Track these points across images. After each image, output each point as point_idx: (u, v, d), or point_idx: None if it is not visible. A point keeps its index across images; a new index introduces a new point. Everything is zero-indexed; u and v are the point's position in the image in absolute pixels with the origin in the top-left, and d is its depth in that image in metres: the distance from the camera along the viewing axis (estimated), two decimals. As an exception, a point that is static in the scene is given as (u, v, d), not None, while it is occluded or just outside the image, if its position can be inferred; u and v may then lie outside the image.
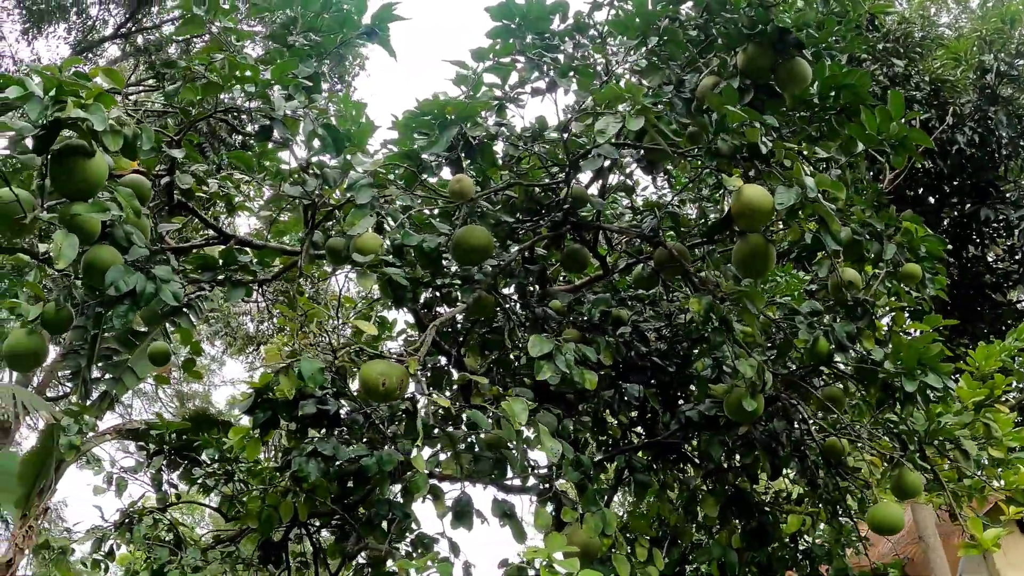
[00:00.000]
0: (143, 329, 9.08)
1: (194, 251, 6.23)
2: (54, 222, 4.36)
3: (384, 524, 6.69)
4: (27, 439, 29.47)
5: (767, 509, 7.88)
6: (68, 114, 3.86)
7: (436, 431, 6.30)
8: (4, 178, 4.18)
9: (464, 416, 5.41)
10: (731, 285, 5.90)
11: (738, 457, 7.72)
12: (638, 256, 7.07)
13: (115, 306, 4.32)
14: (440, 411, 6.80)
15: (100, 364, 18.95)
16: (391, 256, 5.48)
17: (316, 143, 5.15)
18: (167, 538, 8.18)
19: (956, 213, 17.48)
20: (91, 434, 16.66)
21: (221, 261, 5.84)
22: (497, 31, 6.37)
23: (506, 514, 6.53)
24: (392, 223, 5.53)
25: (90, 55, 24.17)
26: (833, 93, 5.84)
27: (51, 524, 19.60)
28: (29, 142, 3.95)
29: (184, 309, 6.03)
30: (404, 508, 6.55)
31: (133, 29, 23.52)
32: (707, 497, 7.51)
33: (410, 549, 6.79)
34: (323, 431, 6.78)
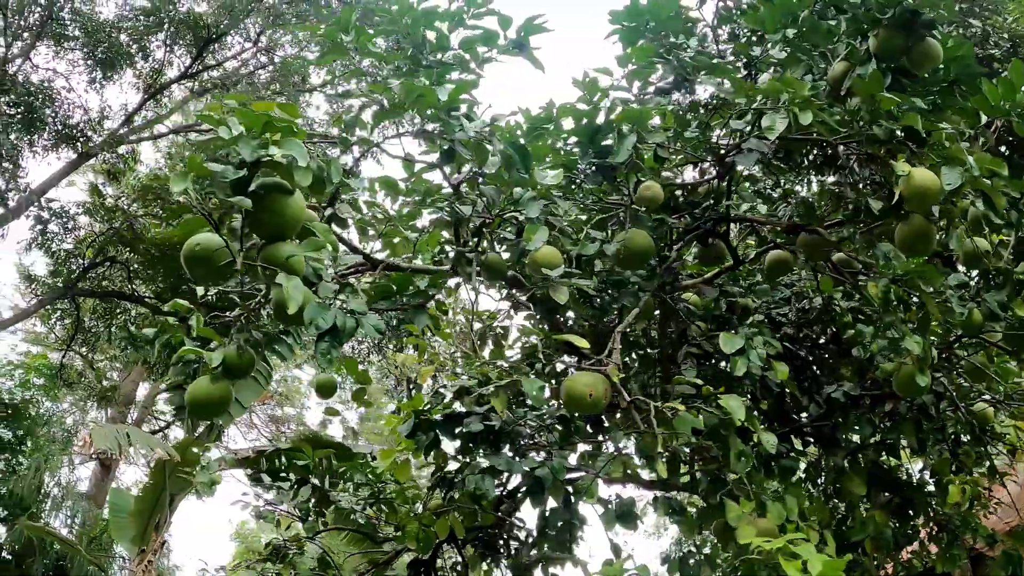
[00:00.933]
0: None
1: (350, 279, 6.30)
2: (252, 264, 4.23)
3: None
4: (123, 473, 30.02)
5: (913, 483, 7.90)
6: (271, 152, 3.85)
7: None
8: (214, 223, 4.19)
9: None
10: (906, 265, 5.91)
11: (877, 436, 7.71)
12: (771, 244, 7.08)
13: (318, 343, 4.26)
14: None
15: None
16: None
17: (495, 161, 5.18)
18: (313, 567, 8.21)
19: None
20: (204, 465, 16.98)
21: (396, 287, 5.93)
22: (627, 34, 6.43)
23: (674, 511, 6.61)
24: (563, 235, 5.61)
25: (160, 97, 24.58)
26: (942, 66, 5.89)
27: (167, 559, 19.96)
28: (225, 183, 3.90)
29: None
30: (574, 514, 6.62)
31: (199, 68, 23.86)
32: (853, 476, 7.52)
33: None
34: (483, 447, 6.85)
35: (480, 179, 5.63)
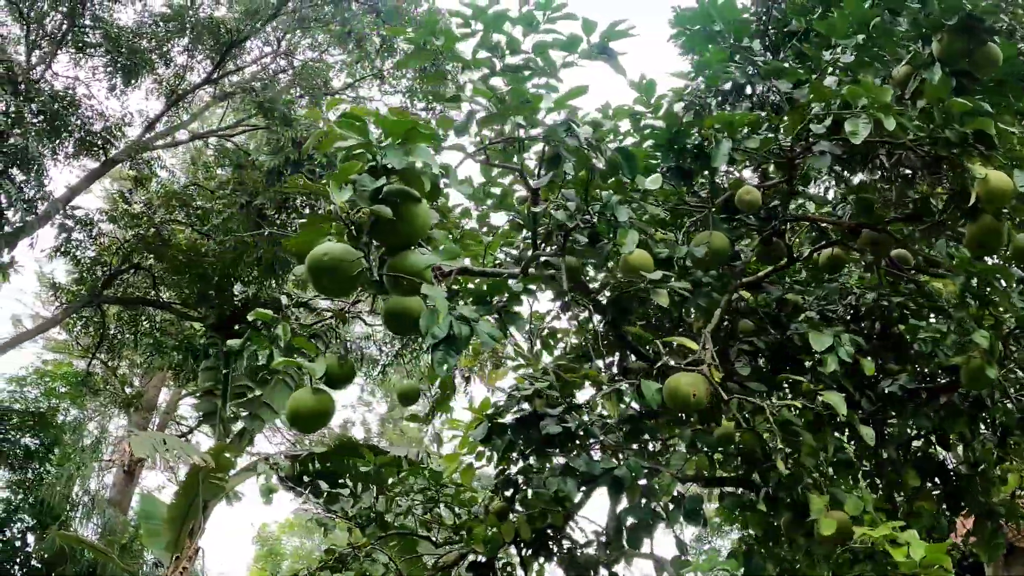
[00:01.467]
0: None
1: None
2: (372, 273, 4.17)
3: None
4: (144, 478, 30.07)
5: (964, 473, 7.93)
6: (415, 159, 3.83)
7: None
8: (352, 232, 4.05)
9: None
10: (982, 264, 5.97)
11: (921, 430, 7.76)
12: (831, 242, 7.11)
13: (433, 352, 4.22)
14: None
15: (235, 403, 19.42)
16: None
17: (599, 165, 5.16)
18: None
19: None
20: (234, 471, 16.99)
21: (488, 292, 5.91)
22: (694, 37, 6.45)
23: (744, 506, 6.63)
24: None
25: (181, 103, 24.61)
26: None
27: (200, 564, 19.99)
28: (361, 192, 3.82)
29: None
30: (648, 513, 6.60)
31: (221, 74, 23.88)
32: (908, 468, 7.55)
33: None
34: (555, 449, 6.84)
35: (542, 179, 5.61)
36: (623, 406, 7.12)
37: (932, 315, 7.52)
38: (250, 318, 5.25)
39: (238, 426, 19.39)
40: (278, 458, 13.21)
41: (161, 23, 22.71)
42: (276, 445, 33.47)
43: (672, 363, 5.52)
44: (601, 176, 5.35)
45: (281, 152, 20.20)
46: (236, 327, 21.02)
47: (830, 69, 6.52)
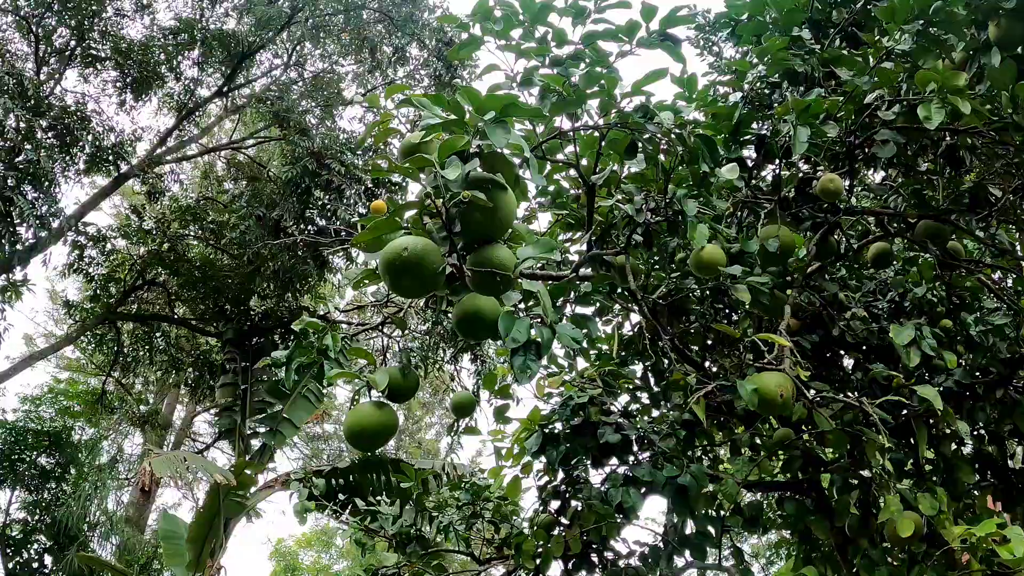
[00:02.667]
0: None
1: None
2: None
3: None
4: (160, 496, 29.86)
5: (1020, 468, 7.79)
6: (512, 140, 3.47)
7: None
8: (444, 221, 3.62)
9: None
10: None
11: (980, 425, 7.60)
12: (883, 234, 6.90)
13: (514, 358, 3.87)
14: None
15: (255, 418, 19.12)
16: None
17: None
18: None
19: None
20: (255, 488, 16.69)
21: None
22: (751, 26, 6.19)
23: (807, 510, 6.38)
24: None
25: (192, 117, 24.38)
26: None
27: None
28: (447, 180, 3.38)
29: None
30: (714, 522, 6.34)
31: (232, 87, 23.65)
32: (963, 464, 7.36)
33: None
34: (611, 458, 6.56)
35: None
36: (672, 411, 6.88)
37: (985, 307, 7.30)
38: (296, 327, 4.91)
39: (256, 442, 19.12)
40: (307, 474, 12.90)
41: (171, 36, 22.48)
42: (292, 461, 33.28)
43: (754, 363, 5.22)
44: (684, 164, 5.01)
45: (299, 162, 19.91)
46: (254, 341, 20.81)
47: (887, 56, 6.28)
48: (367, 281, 4.68)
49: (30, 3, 20.50)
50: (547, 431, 6.53)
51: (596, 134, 5.09)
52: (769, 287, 5.28)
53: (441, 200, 3.37)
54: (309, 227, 20.64)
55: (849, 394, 5.69)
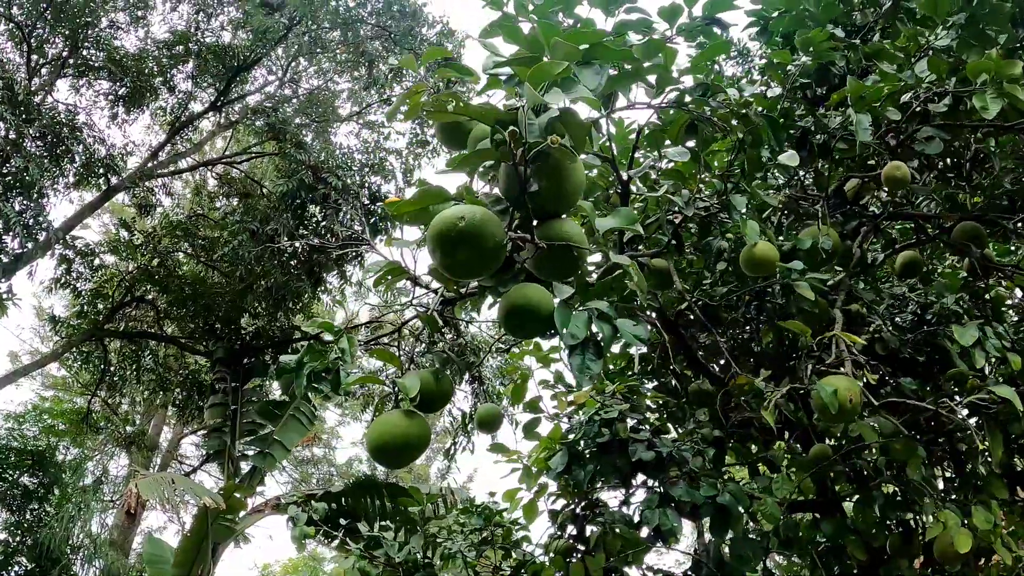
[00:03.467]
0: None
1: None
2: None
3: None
4: (145, 519, 29.25)
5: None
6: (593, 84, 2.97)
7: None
8: (522, 181, 3.05)
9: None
10: None
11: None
12: (922, 239, 6.62)
13: (572, 357, 3.39)
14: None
15: (245, 440, 18.58)
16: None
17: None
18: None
19: None
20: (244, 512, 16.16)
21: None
22: (788, 22, 5.89)
23: (847, 529, 6.10)
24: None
25: (185, 131, 23.98)
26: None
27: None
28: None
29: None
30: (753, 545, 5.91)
31: (225, 102, 23.25)
32: (995, 480, 7.08)
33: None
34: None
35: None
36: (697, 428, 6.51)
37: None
38: (309, 329, 4.44)
39: (245, 465, 18.56)
40: (302, 498, 12.41)
41: (165, 49, 22.08)
42: (281, 484, 32.68)
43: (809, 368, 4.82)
44: (744, 148, 4.58)
45: (295, 175, 19.47)
46: (245, 361, 20.28)
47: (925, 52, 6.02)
48: (390, 277, 4.22)
49: (24, 11, 20.08)
50: (575, 449, 6.06)
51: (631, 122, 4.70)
52: (826, 286, 4.94)
53: (520, 149, 2.81)
54: (304, 245, 20.19)
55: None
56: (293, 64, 24.54)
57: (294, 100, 24.00)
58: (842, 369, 4.67)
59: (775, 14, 6.50)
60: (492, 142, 2.89)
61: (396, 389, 3.87)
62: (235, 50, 21.76)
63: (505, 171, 3.07)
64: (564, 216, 3.22)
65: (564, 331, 3.22)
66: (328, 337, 4.33)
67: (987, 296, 7.01)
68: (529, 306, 3.36)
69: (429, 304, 4.37)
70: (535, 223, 3.18)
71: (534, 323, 3.39)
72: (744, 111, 4.34)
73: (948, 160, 6.83)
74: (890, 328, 6.77)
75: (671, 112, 4.65)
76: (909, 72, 5.72)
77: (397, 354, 4.24)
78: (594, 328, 3.28)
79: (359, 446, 41.69)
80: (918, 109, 5.44)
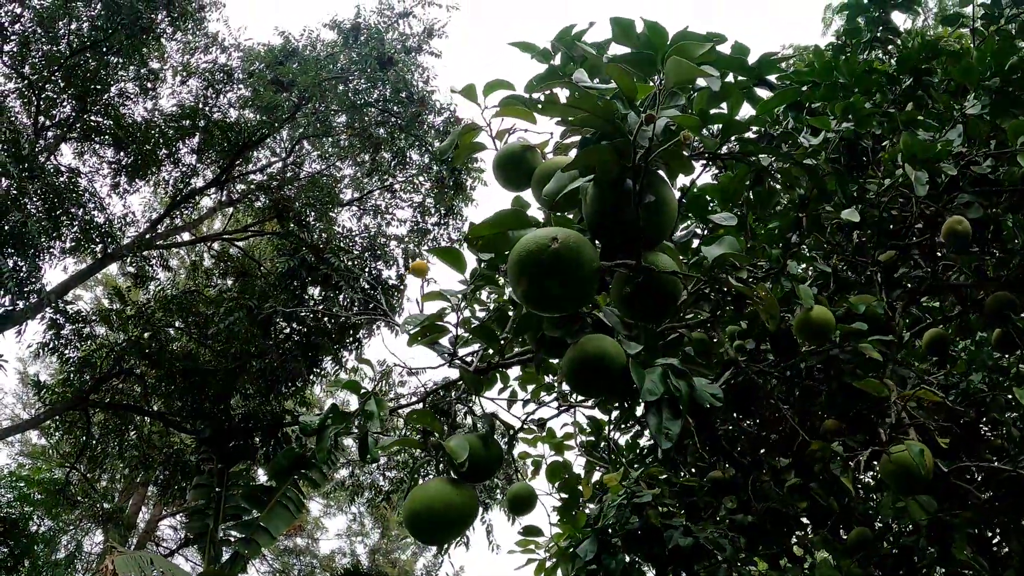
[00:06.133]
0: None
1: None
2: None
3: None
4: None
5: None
6: None
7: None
8: (637, 199, 2.68)
9: None
10: None
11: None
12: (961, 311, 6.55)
13: (649, 417, 2.96)
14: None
15: (229, 524, 17.91)
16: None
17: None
18: None
19: None
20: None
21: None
22: (822, 94, 5.74)
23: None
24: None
25: (186, 206, 23.80)
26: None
27: None
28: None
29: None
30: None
31: (228, 178, 23.11)
32: None
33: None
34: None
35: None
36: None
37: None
38: (330, 388, 4.08)
39: (227, 551, 17.88)
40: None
41: (172, 121, 21.98)
42: (261, 575, 31.78)
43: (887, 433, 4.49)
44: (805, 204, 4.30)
45: (296, 254, 19.20)
46: (232, 443, 19.71)
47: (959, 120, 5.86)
48: (428, 334, 3.87)
49: (35, 71, 20.00)
50: (604, 537, 5.64)
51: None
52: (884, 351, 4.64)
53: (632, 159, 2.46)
54: (300, 326, 19.85)
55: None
56: (298, 147, 24.48)
57: (297, 182, 23.88)
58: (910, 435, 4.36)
59: (804, 88, 6.37)
60: (598, 147, 2.53)
61: (440, 454, 3.46)
62: (241, 126, 21.67)
63: (596, 189, 2.73)
64: (663, 243, 2.87)
65: (641, 387, 2.85)
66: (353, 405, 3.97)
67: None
68: (606, 358, 2.96)
69: (467, 363, 4.02)
70: (621, 251, 2.78)
71: (605, 379, 3.00)
72: (813, 160, 4.08)
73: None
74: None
75: (723, 170, 4.41)
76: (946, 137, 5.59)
77: (437, 418, 3.83)
78: (671, 385, 2.90)
79: (343, 538, 40.84)
80: (954, 173, 5.26)
